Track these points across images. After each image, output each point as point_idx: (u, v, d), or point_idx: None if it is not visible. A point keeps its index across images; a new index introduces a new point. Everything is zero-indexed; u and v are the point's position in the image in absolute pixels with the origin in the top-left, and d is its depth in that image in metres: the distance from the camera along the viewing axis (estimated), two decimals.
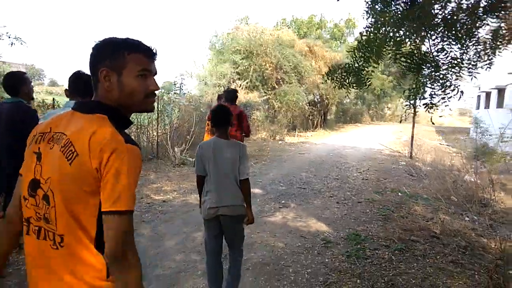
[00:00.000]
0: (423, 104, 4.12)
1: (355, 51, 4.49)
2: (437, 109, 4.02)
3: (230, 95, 5.91)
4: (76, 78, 2.67)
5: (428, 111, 3.99)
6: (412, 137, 12.62)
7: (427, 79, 4.01)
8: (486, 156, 10.73)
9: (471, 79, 4.38)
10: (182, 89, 11.17)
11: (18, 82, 3.21)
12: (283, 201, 6.28)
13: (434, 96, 3.99)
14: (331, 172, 9.15)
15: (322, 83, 18.80)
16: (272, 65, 16.40)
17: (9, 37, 6.66)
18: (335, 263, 4.01)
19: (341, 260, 4.06)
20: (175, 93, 10.87)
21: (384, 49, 4.44)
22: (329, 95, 20.03)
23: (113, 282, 1.17)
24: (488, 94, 18.67)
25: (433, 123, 4.65)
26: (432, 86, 4.02)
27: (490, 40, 4.20)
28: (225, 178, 2.97)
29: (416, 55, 4.36)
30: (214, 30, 18.01)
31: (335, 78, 4.77)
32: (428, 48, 4.39)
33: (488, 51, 4.20)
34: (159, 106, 9.95)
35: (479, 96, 20.41)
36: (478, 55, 4.25)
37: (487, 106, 18.59)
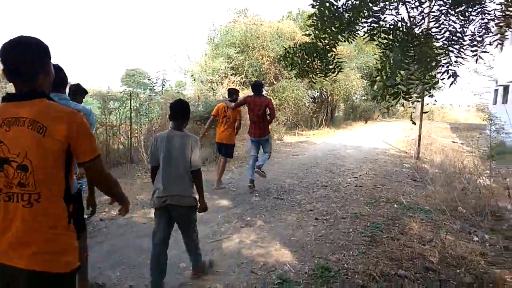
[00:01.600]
0: (391, 94, 3.03)
1: (318, 24, 3.39)
2: (418, 101, 2.96)
3: (256, 88, 6.67)
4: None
5: (403, 105, 2.92)
6: (420, 135, 11.37)
7: (402, 57, 2.90)
8: (501, 156, 9.45)
9: (476, 60, 3.26)
10: (164, 85, 10.14)
11: None
12: (248, 218, 5.20)
13: (411, 83, 2.89)
14: (321, 177, 8.02)
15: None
16: (269, 59, 15.27)
17: None
18: None
19: None
20: (151, 89, 9.83)
21: (358, 21, 3.36)
22: (334, 90, 18.79)
23: (74, 231, 1.67)
24: (506, 88, 17.14)
25: (413, 123, 3.56)
26: (409, 67, 2.93)
27: (502, 7, 3.06)
28: (175, 168, 3.12)
29: (401, 29, 3.25)
30: (212, 23, 16.66)
31: (294, 62, 3.69)
32: (416, 20, 3.29)
33: (499, 22, 3.08)
34: (131, 104, 8.97)
35: (496, 90, 18.86)
36: (485, 27, 3.13)
37: (505, 101, 17.07)
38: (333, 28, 3.35)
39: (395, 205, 5.97)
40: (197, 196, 3.25)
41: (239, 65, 15.05)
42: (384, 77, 2.93)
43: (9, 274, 1.54)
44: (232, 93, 7.07)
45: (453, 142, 17.20)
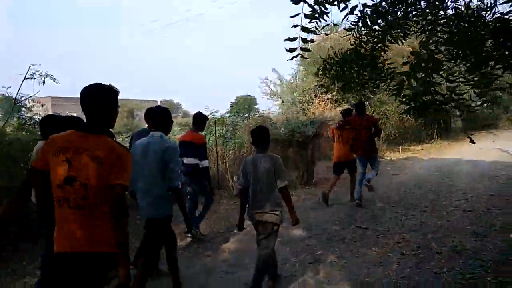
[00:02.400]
0: (425, 106, 2.32)
1: (359, 24, 2.82)
2: (472, 111, 2.26)
3: (359, 108, 7.00)
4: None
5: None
6: None
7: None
8: None
9: None
10: (252, 110, 10.11)
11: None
12: (319, 252, 4.61)
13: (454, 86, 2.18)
14: (421, 200, 6.95)
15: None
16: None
17: (40, 76, 6.55)
18: None
19: None
20: (235, 115, 9.88)
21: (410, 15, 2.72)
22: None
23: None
24: None
25: (472, 141, 2.71)
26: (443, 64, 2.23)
27: None
28: (261, 188, 3.43)
29: (466, 16, 2.51)
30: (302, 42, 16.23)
31: (337, 74, 3.15)
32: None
33: None
34: (216, 131, 9.09)
35: None
36: None
37: None
38: (377, 28, 2.76)
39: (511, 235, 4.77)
40: (280, 213, 3.48)
41: (329, 82, 14.42)
42: (413, 82, 2.24)
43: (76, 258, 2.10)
44: (344, 114, 7.33)
45: None
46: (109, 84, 2.23)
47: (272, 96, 13.75)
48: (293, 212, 3.51)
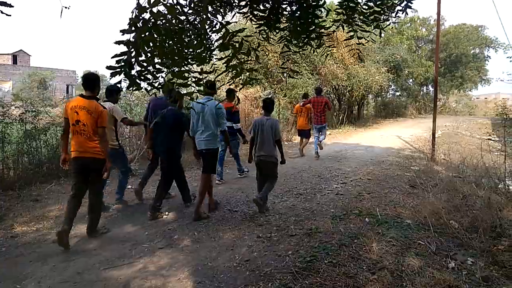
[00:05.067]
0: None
1: None
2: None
3: (318, 91, 10.63)
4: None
5: None
6: (434, 133, 10.11)
7: None
8: None
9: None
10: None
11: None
12: (176, 236, 4.47)
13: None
14: (302, 183, 7.15)
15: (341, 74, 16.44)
16: (276, 54, 14.39)
17: None
18: None
19: None
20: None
21: None
22: (353, 86, 17.56)
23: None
24: None
25: None
26: None
27: None
28: (266, 139, 5.34)
29: None
30: None
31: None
32: None
33: None
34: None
35: None
36: None
37: None
38: None
39: (367, 219, 5.02)
40: (279, 157, 5.49)
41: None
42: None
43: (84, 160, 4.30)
44: (303, 96, 11.10)
45: (489, 139, 15.48)
46: (95, 72, 4.40)
47: None
48: (283, 155, 5.58)
